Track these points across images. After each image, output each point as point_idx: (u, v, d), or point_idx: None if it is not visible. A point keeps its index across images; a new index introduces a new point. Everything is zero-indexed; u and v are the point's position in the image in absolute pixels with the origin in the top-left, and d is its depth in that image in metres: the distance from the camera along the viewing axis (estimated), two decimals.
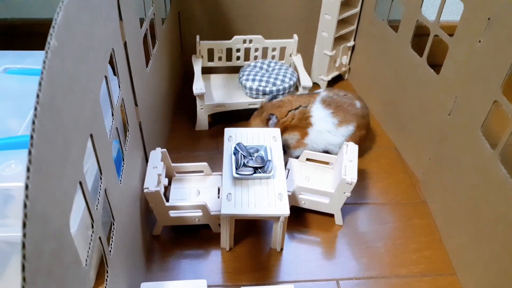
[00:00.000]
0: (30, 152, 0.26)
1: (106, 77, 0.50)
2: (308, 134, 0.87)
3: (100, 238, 0.44)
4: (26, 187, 0.26)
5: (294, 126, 0.87)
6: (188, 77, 0.95)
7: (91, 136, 0.43)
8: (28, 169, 0.26)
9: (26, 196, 0.25)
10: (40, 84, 0.28)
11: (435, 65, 0.82)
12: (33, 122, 0.27)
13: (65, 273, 0.33)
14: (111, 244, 0.50)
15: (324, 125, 0.86)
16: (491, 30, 0.66)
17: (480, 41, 0.68)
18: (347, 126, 0.87)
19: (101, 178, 0.46)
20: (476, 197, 0.68)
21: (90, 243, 0.41)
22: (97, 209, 0.43)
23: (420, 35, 0.86)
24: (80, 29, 0.39)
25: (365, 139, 0.92)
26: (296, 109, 0.87)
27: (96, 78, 0.46)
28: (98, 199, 0.44)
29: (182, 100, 1.08)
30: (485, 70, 0.67)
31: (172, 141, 0.97)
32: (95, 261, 0.67)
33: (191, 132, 1.00)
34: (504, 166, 0.62)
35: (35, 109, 0.27)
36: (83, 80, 0.40)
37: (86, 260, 0.39)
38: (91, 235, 0.41)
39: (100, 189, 0.46)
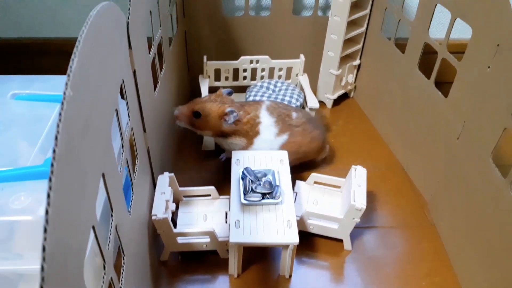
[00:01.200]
0: (47, 212, 0.26)
1: (117, 110, 0.50)
2: (253, 144, 0.84)
3: (111, 279, 0.43)
4: (43, 248, 0.25)
5: (246, 132, 0.83)
6: (194, 96, 0.95)
7: (103, 175, 0.42)
8: (46, 221, 0.26)
9: (43, 248, 0.25)
10: (56, 138, 0.28)
11: (444, 83, 0.82)
12: (50, 179, 0.27)
13: None
14: (122, 280, 0.49)
15: (268, 134, 0.84)
16: (501, 57, 0.65)
17: (489, 67, 0.68)
18: (282, 135, 0.85)
19: (112, 216, 0.46)
20: (486, 223, 0.68)
21: (102, 285, 0.40)
22: (108, 249, 0.43)
23: (428, 53, 0.85)
24: (94, 71, 0.39)
25: (305, 148, 0.88)
26: (249, 114, 0.83)
27: (108, 114, 0.46)
28: (109, 238, 0.44)
29: None
30: (495, 96, 0.66)
31: (179, 163, 0.96)
32: None
33: (197, 153, 0.99)
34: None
35: (52, 165, 0.27)
36: (97, 120, 0.40)
37: None
38: (103, 276, 0.41)
39: (111, 227, 0.45)
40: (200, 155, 0.99)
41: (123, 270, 0.50)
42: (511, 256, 0.61)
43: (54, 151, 0.28)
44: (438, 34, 0.84)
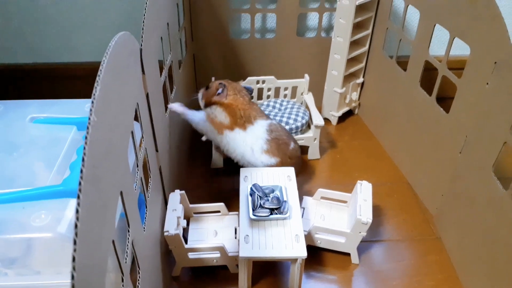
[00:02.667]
0: (76, 226, 0.29)
1: (132, 132, 0.53)
2: (233, 130, 0.84)
3: None
4: (73, 259, 0.28)
5: (233, 110, 0.84)
6: None
7: (121, 193, 0.45)
8: (74, 242, 0.28)
9: (74, 268, 0.28)
10: (83, 159, 0.31)
11: (446, 98, 0.84)
12: (78, 197, 0.30)
13: None
14: None
15: (253, 141, 0.85)
16: (498, 73, 0.68)
17: (488, 83, 0.71)
18: (270, 157, 0.86)
19: (128, 231, 0.48)
20: (491, 236, 0.69)
21: None
22: (126, 262, 0.45)
23: (429, 69, 0.88)
24: (113, 97, 0.42)
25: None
26: (248, 104, 0.85)
27: (125, 136, 0.49)
28: (127, 252, 0.46)
29: (198, 139, 1.11)
30: (494, 111, 0.69)
31: (189, 180, 0.99)
32: None
33: (207, 170, 1.02)
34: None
35: (79, 183, 0.30)
36: (116, 142, 0.43)
37: None
38: None
39: (128, 242, 0.48)
40: (209, 172, 1.02)
41: (138, 283, 0.52)
42: None
43: (81, 171, 0.31)
44: (438, 51, 0.87)
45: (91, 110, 0.34)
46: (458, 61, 0.86)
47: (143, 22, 0.62)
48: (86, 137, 0.33)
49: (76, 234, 0.28)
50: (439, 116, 0.85)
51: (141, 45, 0.61)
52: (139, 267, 0.53)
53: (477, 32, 0.72)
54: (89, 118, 0.34)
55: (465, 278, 0.77)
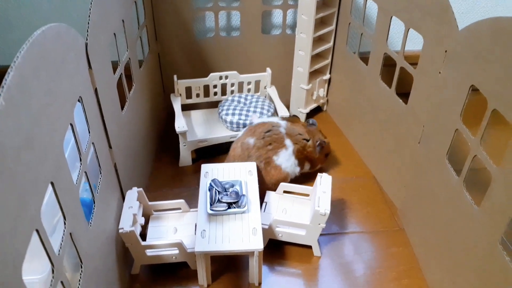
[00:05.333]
0: None
1: (71, 124, 0.53)
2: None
3: (62, 282, 0.45)
4: None
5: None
6: (172, 115, 0.99)
7: (52, 184, 0.44)
8: None
9: None
10: None
11: (408, 93, 0.84)
12: None
13: None
14: (78, 286, 0.51)
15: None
16: (449, 62, 0.69)
17: (440, 72, 0.71)
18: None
19: (65, 223, 0.47)
20: (448, 225, 0.69)
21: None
22: (59, 254, 0.45)
23: (390, 65, 0.89)
24: (38, 88, 0.42)
25: None
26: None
27: (60, 128, 0.48)
28: (61, 244, 0.46)
29: (166, 137, 1.10)
30: (446, 100, 0.69)
31: (155, 180, 0.98)
32: None
33: (174, 169, 1.01)
34: (470, 192, 0.64)
35: None
36: (43, 134, 0.43)
37: None
38: (51, 280, 0.42)
39: (64, 234, 0.47)
40: (177, 171, 1.01)
41: (80, 277, 0.52)
42: (471, 258, 0.62)
43: None
44: (398, 47, 0.88)
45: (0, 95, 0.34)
46: (417, 56, 0.87)
47: (89, 17, 0.62)
48: None
49: None
50: (399, 108, 0.85)
51: (87, 40, 0.61)
52: (81, 261, 0.52)
53: (429, 22, 0.73)
54: None
55: (426, 269, 0.77)
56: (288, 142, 0.90)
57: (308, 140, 0.93)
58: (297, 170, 0.93)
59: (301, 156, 0.92)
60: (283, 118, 1.00)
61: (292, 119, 1.13)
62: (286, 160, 0.89)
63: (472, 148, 0.62)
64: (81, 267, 0.52)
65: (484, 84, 0.59)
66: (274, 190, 0.88)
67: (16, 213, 0.35)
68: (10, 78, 0.35)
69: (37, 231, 0.39)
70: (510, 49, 0.53)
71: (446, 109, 0.69)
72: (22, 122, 0.38)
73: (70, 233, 0.49)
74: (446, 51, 0.69)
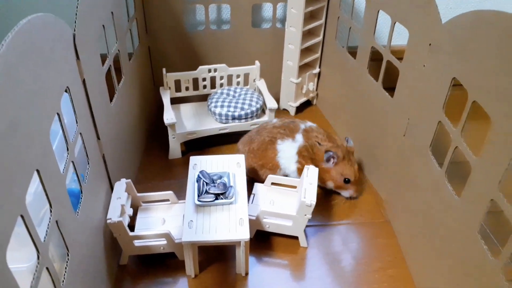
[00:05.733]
0: None
1: (58, 114, 0.53)
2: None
3: (48, 268, 0.46)
4: None
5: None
6: (162, 108, 0.99)
7: (38, 171, 0.45)
8: None
9: None
10: None
11: (394, 88, 0.86)
12: None
13: None
14: (65, 274, 0.51)
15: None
16: (432, 55, 0.70)
17: (424, 65, 0.72)
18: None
19: (51, 211, 0.48)
20: (430, 215, 0.71)
21: (34, 274, 0.42)
22: (44, 241, 0.45)
23: (379, 60, 0.90)
24: (24, 75, 0.42)
25: None
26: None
27: (46, 116, 0.49)
28: (47, 231, 0.46)
29: (156, 131, 1.11)
30: (430, 92, 0.70)
31: (144, 172, 0.99)
32: None
33: (164, 162, 1.02)
34: (452, 185, 0.65)
35: None
36: (29, 121, 0.43)
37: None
38: (36, 266, 0.43)
39: (50, 222, 0.48)
40: (167, 164, 1.02)
41: (67, 265, 0.52)
42: (452, 245, 0.64)
43: None
44: (386, 42, 0.89)
45: None
46: (403, 51, 0.88)
47: (77, 8, 0.62)
48: None
49: None
50: (385, 101, 0.86)
51: (74, 30, 0.61)
52: (68, 249, 0.53)
53: (414, 15, 0.74)
54: None
55: (410, 259, 0.79)
56: (299, 136, 0.90)
57: (320, 144, 0.90)
58: (293, 166, 0.91)
59: (306, 154, 0.89)
60: (271, 110, 1.02)
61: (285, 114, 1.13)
62: (287, 149, 0.90)
63: (454, 139, 0.63)
64: (68, 255, 0.53)
65: (464, 76, 0.60)
66: (259, 172, 0.91)
67: (2, 198, 0.36)
68: None
69: (22, 216, 0.40)
70: (489, 42, 0.54)
71: (430, 101, 0.70)
72: (7, 108, 0.38)
73: (56, 221, 0.49)
74: (430, 44, 0.70)
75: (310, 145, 0.89)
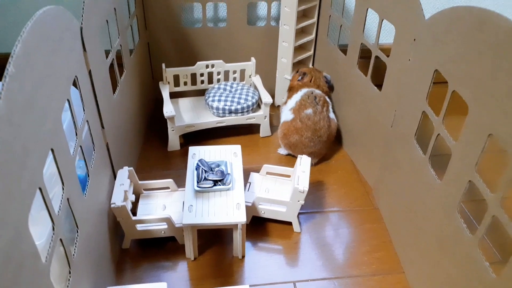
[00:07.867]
0: None
1: (68, 100, 0.57)
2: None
3: (61, 240, 0.50)
4: None
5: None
6: (161, 102, 1.03)
7: (52, 150, 0.49)
8: None
9: None
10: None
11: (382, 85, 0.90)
12: None
13: (23, 261, 0.38)
14: (75, 248, 0.55)
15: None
16: (416, 49, 0.75)
17: (409, 59, 0.77)
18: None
19: (63, 188, 0.52)
20: (414, 198, 0.75)
21: (51, 243, 0.46)
22: (58, 214, 0.49)
23: (368, 57, 0.94)
24: (39, 59, 0.47)
25: None
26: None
27: (57, 100, 0.53)
28: (60, 204, 0.50)
29: (155, 123, 1.15)
30: (414, 84, 0.75)
31: (145, 162, 1.03)
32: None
33: (163, 153, 1.06)
34: (434, 169, 0.70)
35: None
36: (43, 101, 0.47)
37: (46, 257, 0.45)
38: (52, 236, 0.47)
39: (62, 198, 0.52)
40: (166, 155, 1.06)
41: (76, 240, 0.56)
42: (432, 225, 0.68)
43: None
44: (374, 40, 0.94)
45: (9, 63, 0.38)
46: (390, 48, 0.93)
47: (83, 2, 0.66)
48: (3, 84, 0.37)
49: None
50: (373, 94, 0.91)
51: (82, 24, 0.65)
52: (77, 225, 0.57)
53: (399, 13, 0.79)
54: (7, 69, 0.38)
55: (396, 242, 0.83)
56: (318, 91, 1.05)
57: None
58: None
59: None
60: (266, 105, 1.06)
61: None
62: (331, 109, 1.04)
63: (436, 127, 0.68)
64: (77, 231, 0.57)
65: (444, 67, 0.65)
66: (333, 135, 1.03)
67: (22, 163, 0.40)
68: (18, 49, 0.40)
69: (40, 189, 0.44)
70: (463, 35, 0.59)
71: (414, 92, 0.75)
72: (26, 85, 0.42)
73: (68, 198, 0.53)
74: (414, 39, 0.75)
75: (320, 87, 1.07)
